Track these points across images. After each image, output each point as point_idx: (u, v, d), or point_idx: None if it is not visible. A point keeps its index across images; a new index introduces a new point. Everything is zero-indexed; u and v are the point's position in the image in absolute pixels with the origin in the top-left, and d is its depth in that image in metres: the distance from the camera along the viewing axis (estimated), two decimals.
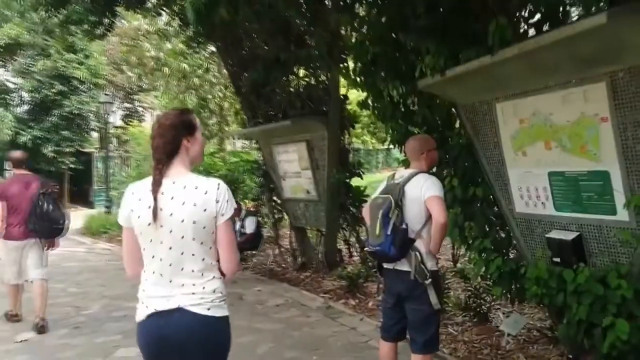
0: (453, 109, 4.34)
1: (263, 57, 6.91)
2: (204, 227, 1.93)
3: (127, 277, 2.10)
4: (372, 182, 8.32)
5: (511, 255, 4.04)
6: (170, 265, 1.94)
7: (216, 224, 1.96)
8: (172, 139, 1.99)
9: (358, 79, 4.66)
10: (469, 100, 4.07)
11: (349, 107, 7.07)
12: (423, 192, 2.95)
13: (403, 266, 3.00)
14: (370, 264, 6.15)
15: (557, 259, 3.47)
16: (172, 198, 1.93)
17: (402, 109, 4.55)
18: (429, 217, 2.97)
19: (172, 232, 1.92)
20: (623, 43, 2.74)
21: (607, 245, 3.25)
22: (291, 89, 7.18)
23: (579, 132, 3.24)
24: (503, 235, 4.10)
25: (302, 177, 7.10)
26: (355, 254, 7.42)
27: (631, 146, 2.98)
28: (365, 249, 3.95)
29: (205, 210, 1.92)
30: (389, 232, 2.89)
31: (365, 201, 7.19)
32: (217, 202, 1.94)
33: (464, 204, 4.21)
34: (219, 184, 1.98)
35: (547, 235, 3.56)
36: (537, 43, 2.97)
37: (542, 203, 3.63)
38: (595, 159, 3.17)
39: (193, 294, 1.93)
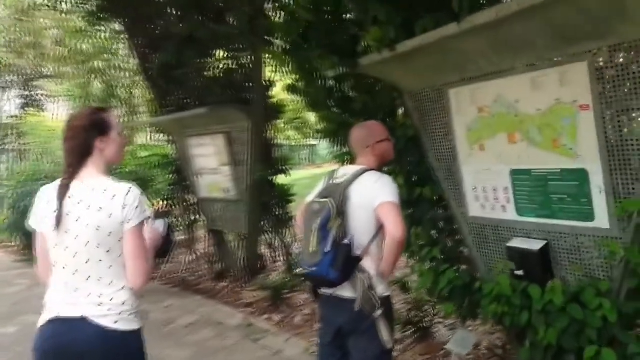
0: (397, 96, 3.72)
1: (176, 36, 5.96)
2: (109, 234, 1.85)
3: (41, 283, 2.01)
4: (299, 180, 7.65)
5: (464, 267, 3.49)
6: (75, 272, 1.87)
7: (123, 230, 1.86)
8: (84, 141, 1.92)
9: (286, 58, 3.93)
10: (418, 86, 3.47)
11: (274, 95, 6.30)
12: (373, 197, 2.26)
13: (345, 292, 2.29)
14: (296, 271, 5.45)
15: (520, 272, 2.94)
16: (79, 202, 1.87)
17: (338, 95, 3.88)
18: (380, 229, 2.29)
19: (77, 237, 1.86)
20: (618, 10, 2.22)
21: (580, 256, 2.75)
22: (208, 73, 6.29)
23: (551, 123, 2.72)
24: (454, 243, 3.55)
25: (220, 174, 6.24)
26: (279, 259, 6.68)
27: (616, 140, 2.49)
28: (298, 270, 3.19)
29: (110, 215, 1.85)
30: (327, 249, 2.18)
31: (291, 201, 6.50)
32: (124, 207, 1.85)
33: (409, 207, 3.62)
34: (129, 189, 1.89)
35: (508, 245, 3.03)
36: (509, 9, 2.39)
37: (502, 206, 3.10)
38: (571, 155, 2.66)
39: (100, 305, 1.85)
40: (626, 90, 2.42)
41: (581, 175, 2.63)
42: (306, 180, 7.82)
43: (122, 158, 2.08)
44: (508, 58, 2.81)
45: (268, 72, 6.10)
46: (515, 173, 2.98)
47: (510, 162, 2.99)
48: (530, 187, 2.91)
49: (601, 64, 2.47)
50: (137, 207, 1.87)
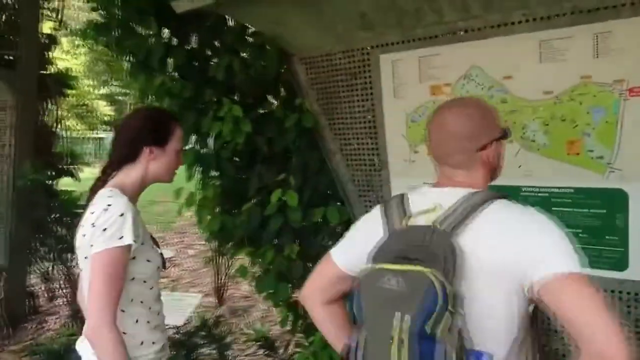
0: (286, 62, 2.38)
1: None
2: (85, 258, 1.41)
3: None
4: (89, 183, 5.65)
5: None
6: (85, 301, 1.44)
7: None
8: (129, 142, 1.49)
9: None
10: (322, 46, 2.19)
11: (57, 60, 4.32)
12: (525, 259, 0.98)
13: None
14: None
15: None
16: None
17: (185, 54, 2.36)
18: (529, 326, 1.06)
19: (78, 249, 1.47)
20: None
21: None
22: None
23: (569, 115, 1.70)
24: None
25: None
26: (62, 293, 4.68)
27: None
28: None
29: (84, 235, 1.41)
30: None
31: (78, 214, 4.58)
32: (93, 226, 1.37)
33: (303, 237, 2.32)
34: (109, 205, 1.38)
35: None
36: None
37: None
38: (600, 167, 1.68)
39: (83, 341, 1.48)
40: None
41: (615, 200, 1.67)
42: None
43: (171, 179, 1.58)
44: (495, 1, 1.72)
45: (49, 26, 4.12)
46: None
47: None
48: None
49: None
50: (105, 229, 1.34)
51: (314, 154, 2.34)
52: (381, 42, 2.05)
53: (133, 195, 1.47)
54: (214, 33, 2.43)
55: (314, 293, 1.25)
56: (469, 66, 1.86)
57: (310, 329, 2.42)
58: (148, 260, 1.44)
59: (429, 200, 1.07)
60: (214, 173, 2.47)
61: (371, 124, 2.17)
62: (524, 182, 1.84)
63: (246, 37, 2.38)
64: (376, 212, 1.17)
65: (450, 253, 0.95)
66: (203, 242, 6.12)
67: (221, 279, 4.85)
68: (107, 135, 21.60)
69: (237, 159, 2.44)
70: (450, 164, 1.12)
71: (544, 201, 1.80)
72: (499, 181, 1.85)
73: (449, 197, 1.06)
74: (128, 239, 1.34)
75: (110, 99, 12.52)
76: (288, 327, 2.72)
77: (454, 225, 0.99)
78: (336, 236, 2.36)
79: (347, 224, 2.35)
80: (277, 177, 2.29)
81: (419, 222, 1.04)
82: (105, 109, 14.94)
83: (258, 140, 2.28)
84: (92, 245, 1.35)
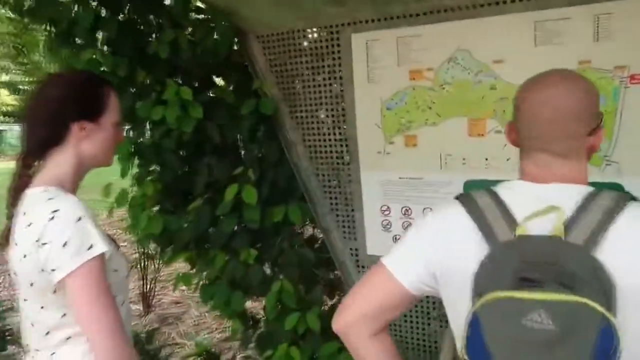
0: (240, 40, 2.08)
1: None
2: (31, 284, 1.07)
3: None
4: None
5: None
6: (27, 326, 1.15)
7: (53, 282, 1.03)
8: (51, 119, 1.11)
9: None
10: (282, 23, 1.93)
11: None
12: None
13: None
14: None
15: None
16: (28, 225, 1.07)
17: (117, 26, 2.00)
18: None
19: (17, 274, 1.12)
20: None
21: None
22: None
23: None
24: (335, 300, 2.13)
25: None
26: None
27: None
28: None
29: (25, 256, 1.05)
30: None
31: None
32: (42, 244, 1.01)
33: (265, 240, 2.05)
34: (55, 211, 1.02)
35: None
36: None
37: None
38: (597, 161, 1.57)
39: None
40: None
41: None
42: None
43: (109, 161, 1.23)
44: None
45: None
46: (476, 187, 1.74)
47: (468, 167, 1.74)
48: None
49: None
50: (65, 245, 1.00)
51: (272, 144, 2.07)
52: (353, 20, 1.82)
53: (72, 189, 1.14)
54: (151, 3, 2.09)
55: (361, 321, 0.95)
56: (455, 49, 1.69)
57: (265, 342, 2.15)
58: (115, 270, 1.11)
59: (533, 200, 0.82)
60: (153, 167, 2.12)
61: (339, 112, 1.94)
62: (510, 176, 1.69)
63: (191, 9, 2.06)
64: (454, 213, 0.90)
65: (598, 275, 0.72)
66: (125, 243, 5.60)
67: (148, 285, 4.42)
68: (9, 128, 19.71)
69: (181, 151, 2.12)
70: (553, 151, 0.86)
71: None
72: (495, 175, 1.70)
73: (562, 196, 0.82)
74: (100, 246, 1.03)
75: (11, 87, 11.30)
76: (236, 339, 2.44)
77: (589, 235, 0.75)
78: (298, 238, 2.12)
79: (317, 228, 2.13)
80: (229, 171, 2.00)
81: (534, 231, 0.79)
82: (6, 99, 13.53)
83: (208, 129, 1.97)
84: (53, 270, 1.02)
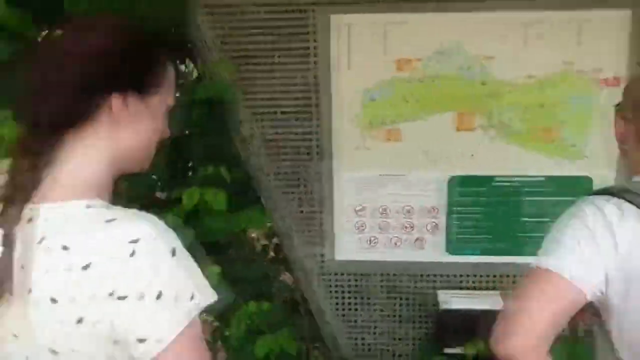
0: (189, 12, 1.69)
1: None
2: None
3: None
4: None
5: None
6: None
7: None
8: (80, 83, 0.67)
9: None
10: None
11: None
12: None
13: None
14: None
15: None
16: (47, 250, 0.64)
17: None
18: None
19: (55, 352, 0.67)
20: None
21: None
22: None
23: (549, 102, 1.66)
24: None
25: None
26: None
27: None
28: None
29: (80, 320, 0.63)
30: None
31: None
32: (121, 298, 0.62)
33: (221, 252, 1.72)
34: (134, 241, 0.63)
35: (442, 307, 1.74)
36: None
37: (418, 239, 1.78)
38: (573, 155, 1.69)
39: None
40: None
41: (584, 187, 1.70)
42: None
43: (147, 163, 0.80)
44: None
45: None
46: (460, 183, 1.72)
47: (452, 162, 1.71)
48: (485, 207, 1.74)
49: None
50: (160, 297, 0.62)
51: (222, 138, 1.74)
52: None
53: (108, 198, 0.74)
54: None
55: (540, 343, 0.81)
56: (447, 40, 1.63)
57: None
58: None
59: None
60: None
61: (310, 102, 1.72)
62: (494, 171, 1.72)
63: None
64: (601, 220, 0.83)
65: None
66: None
67: None
68: None
69: None
70: None
71: (512, 190, 1.71)
72: (480, 170, 1.69)
73: None
74: (205, 295, 0.68)
75: None
76: None
77: None
78: (263, 248, 1.84)
79: (275, 233, 1.86)
80: (177, 169, 1.62)
81: None
82: None
83: None
84: (142, 341, 0.63)
